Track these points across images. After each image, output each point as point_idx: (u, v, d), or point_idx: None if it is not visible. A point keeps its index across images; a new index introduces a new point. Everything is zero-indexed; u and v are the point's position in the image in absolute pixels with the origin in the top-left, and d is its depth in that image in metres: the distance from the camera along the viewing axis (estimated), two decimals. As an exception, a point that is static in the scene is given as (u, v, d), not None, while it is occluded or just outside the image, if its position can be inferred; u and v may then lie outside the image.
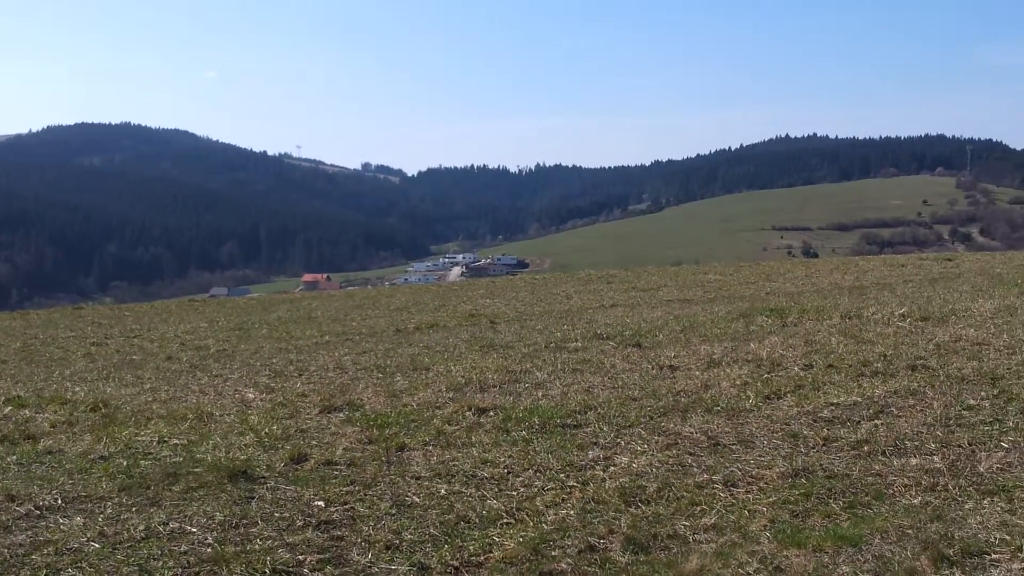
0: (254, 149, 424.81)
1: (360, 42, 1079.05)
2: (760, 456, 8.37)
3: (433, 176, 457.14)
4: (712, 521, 6.80)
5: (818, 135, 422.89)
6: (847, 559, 6.04)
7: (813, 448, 8.53)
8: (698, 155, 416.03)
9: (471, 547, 6.49)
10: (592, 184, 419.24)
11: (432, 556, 6.37)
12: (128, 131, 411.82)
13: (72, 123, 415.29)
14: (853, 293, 23.15)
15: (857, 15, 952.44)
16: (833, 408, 9.88)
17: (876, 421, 9.32)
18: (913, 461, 7.93)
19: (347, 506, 7.42)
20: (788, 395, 10.58)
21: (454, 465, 8.43)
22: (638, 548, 6.37)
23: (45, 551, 6.59)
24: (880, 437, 8.68)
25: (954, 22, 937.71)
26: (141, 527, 7.01)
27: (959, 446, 8.34)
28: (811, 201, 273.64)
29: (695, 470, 8.03)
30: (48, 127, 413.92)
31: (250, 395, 12.57)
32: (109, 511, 7.44)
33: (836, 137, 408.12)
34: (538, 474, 8.08)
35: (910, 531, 6.41)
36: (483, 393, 11.65)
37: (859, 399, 10.18)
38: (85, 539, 6.81)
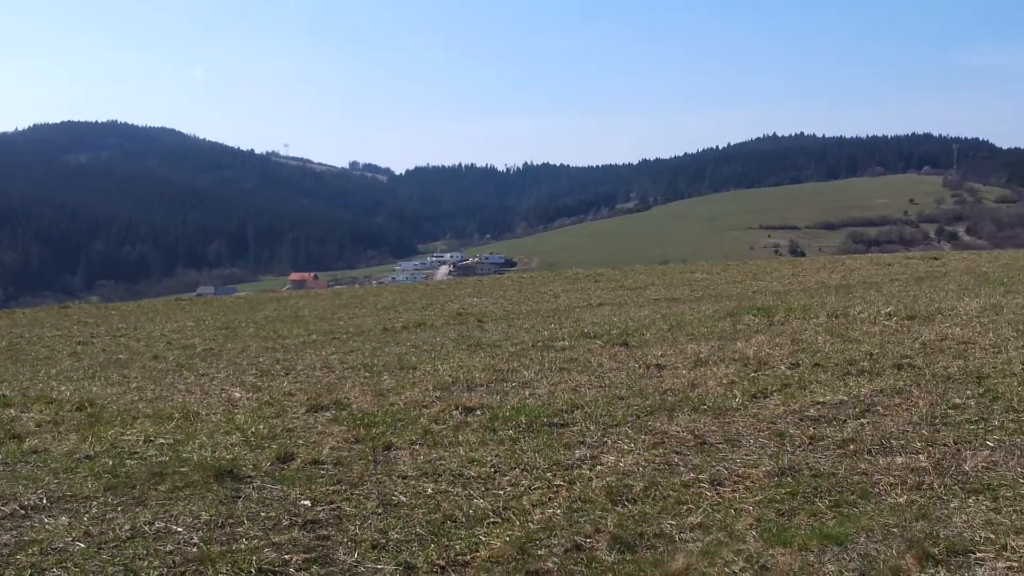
0: (241, 147, 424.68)
1: (347, 41, 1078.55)
2: (746, 455, 8.38)
3: (421, 175, 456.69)
4: (698, 520, 6.81)
5: (805, 134, 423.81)
6: (833, 558, 6.05)
7: (799, 447, 8.55)
8: (686, 154, 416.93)
9: (457, 546, 6.49)
10: (580, 183, 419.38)
11: (418, 555, 6.37)
12: (115, 129, 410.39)
13: (59, 121, 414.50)
14: (840, 292, 23.20)
15: (844, 15, 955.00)
16: (819, 407, 9.90)
17: (862, 420, 9.34)
18: (899, 460, 7.96)
19: (333, 505, 7.41)
20: (775, 394, 10.61)
21: (441, 464, 8.42)
22: (624, 547, 6.37)
23: (30, 551, 6.56)
24: (866, 436, 8.70)
25: (941, 21, 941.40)
26: (127, 527, 6.99)
27: (945, 445, 8.37)
28: (798, 200, 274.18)
29: (682, 469, 8.04)
30: (34, 125, 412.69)
31: (236, 394, 12.55)
32: (94, 511, 7.42)
33: (823, 136, 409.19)
34: (525, 473, 8.08)
35: (896, 530, 6.43)
36: (470, 392, 11.65)
37: (845, 398, 10.21)
38: (70, 539, 6.78)
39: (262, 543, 6.63)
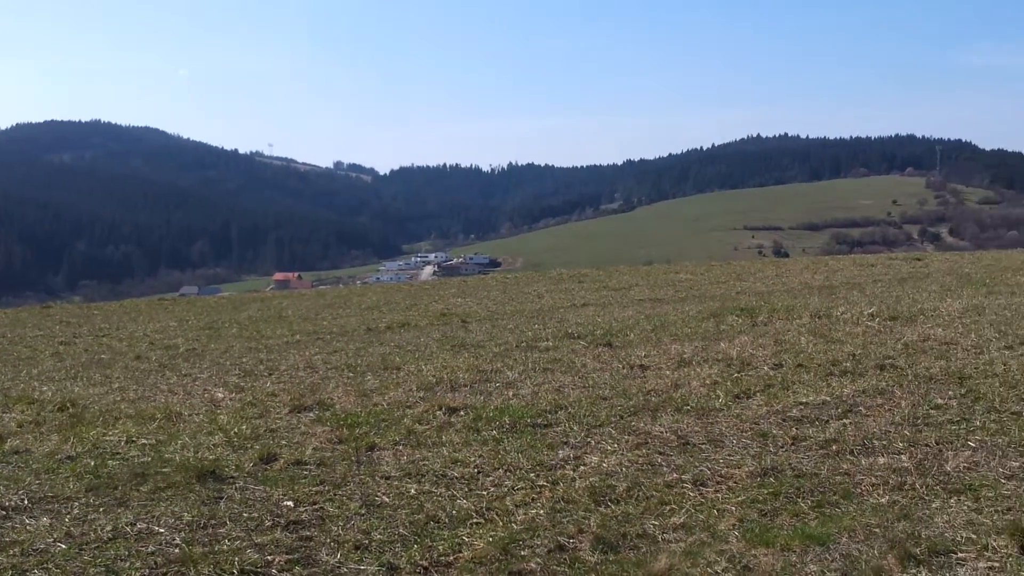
0: (225, 147, 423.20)
1: (332, 40, 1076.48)
2: (729, 455, 8.40)
3: (405, 175, 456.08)
4: (681, 520, 6.82)
5: (789, 135, 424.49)
6: (815, 558, 6.07)
7: (782, 447, 8.57)
8: (670, 155, 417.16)
9: (441, 547, 6.48)
10: (564, 183, 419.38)
11: (401, 556, 6.36)
12: (98, 128, 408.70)
13: (41, 120, 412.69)
14: (823, 293, 23.27)
15: (830, 17, 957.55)
16: (802, 407, 9.93)
17: (845, 420, 9.37)
18: (881, 460, 7.98)
19: (316, 506, 7.40)
20: (758, 394, 10.63)
21: (424, 465, 8.42)
22: (607, 547, 6.38)
23: (11, 552, 6.53)
24: (848, 436, 8.73)
25: (925, 23, 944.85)
26: (108, 528, 6.96)
27: (927, 445, 8.40)
28: (782, 201, 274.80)
29: (665, 469, 8.06)
30: (17, 124, 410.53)
31: (219, 394, 12.52)
32: (76, 511, 7.39)
33: (807, 137, 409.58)
34: (508, 473, 8.08)
35: (877, 530, 6.45)
36: (454, 392, 11.64)
37: (828, 398, 10.24)
38: (51, 540, 6.76)
39: (244, 544, 6.61)
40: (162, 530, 6.91)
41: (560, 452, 8.68)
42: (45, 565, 6.32)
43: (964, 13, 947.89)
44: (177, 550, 6.52)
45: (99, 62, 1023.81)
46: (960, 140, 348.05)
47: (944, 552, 6.07)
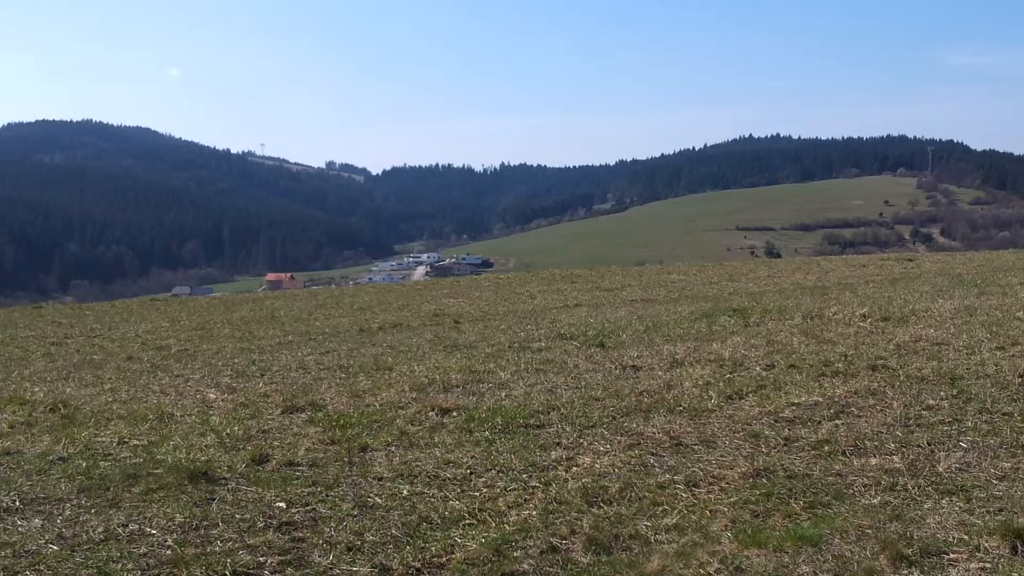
0: (217, 147, 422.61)
1: (325, 40, 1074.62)
2: (722, 456, 8.41)
3: (397, 175, 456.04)
4: (674, 521, 6.82)
5: (781, 135, 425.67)
6: (807, 559, 6.08)
7: (774, 448, 8.58)
8: (662, 155, 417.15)
9: (433, 548, 6.48)
10: (557, 184, 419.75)
11: (394, 557, 6.36)
12: (89, 128, 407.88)
13: (33, 120, 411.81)
14: (815, 293, 23.31)
15: (820, 17, 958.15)
16: (794, 408, 9.94)
17: (837, 421, 9.38)
18: (873, 461, 7.99)
19: (309, 507, 7.39)
20: (750, 395, 10.64)
21: (417, 466, 8.41)
22: (600, 549, 6.38)
23: (3, 553, 6.52)
24: (840, 437, 8.74)
25: (916, 24, 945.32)
26: (100, 529, 6.95)
27: (918, 446, 8.42)
28: (774, 201, 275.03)
29: (657, 470, 8.06)
30: (8, 124, 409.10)
31: (212, 395, 12.51)
32: (68, 513, 7.38)
33: (799, 138, 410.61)
34: (501, 475, 8.08)
35: (869, 531, 6.45)
36: (446, 393, 11.64)
37: (820, 399, 10.24)
38: (43, 541, 6.75)
39: (237, 545, 6.61)
40: (154, 531, 6.90)
41: (552, 453, 8.69)
42: (37, 567, 6.31)
43: (955, 13, 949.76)
44: (169, 551, 6.51)
45: (90, 62, 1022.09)
46: (951, 141, 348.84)
47: (936, 553, 6.08)
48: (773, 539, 6.36)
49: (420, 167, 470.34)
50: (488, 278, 41.44)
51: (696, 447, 8.75)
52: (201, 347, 18.90)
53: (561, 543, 6.52)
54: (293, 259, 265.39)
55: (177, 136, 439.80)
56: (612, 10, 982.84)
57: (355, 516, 7.16)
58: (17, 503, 7.63)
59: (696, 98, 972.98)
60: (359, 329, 21.16)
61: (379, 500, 7.50)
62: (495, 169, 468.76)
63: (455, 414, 10.33)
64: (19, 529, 7.01)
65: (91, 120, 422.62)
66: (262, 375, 14.21)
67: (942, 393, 10.26)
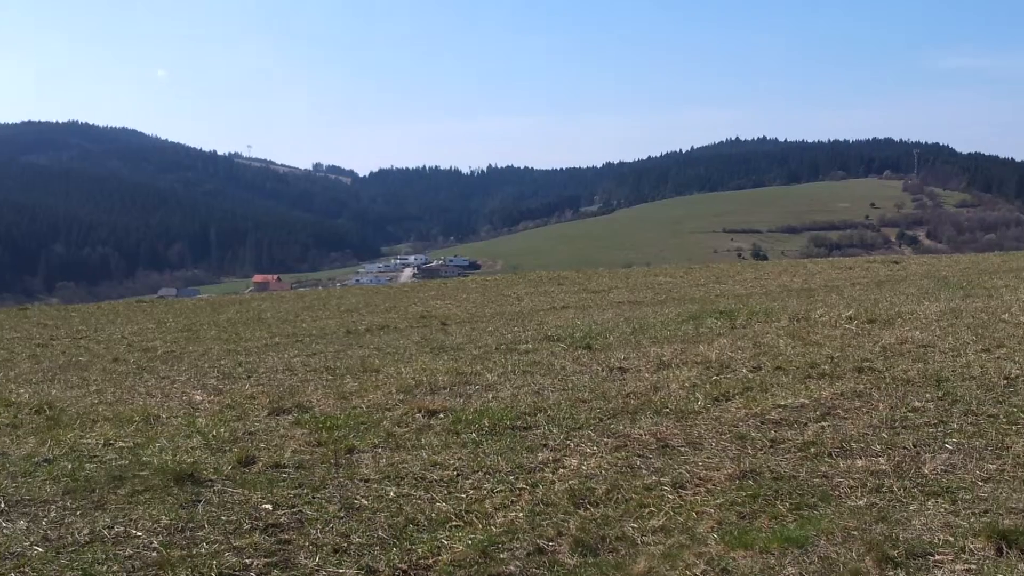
0: (204, 149, 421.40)
1: (311, 41, 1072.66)
2: (708, 458, 8.41)
3: (384, 177, 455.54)
4: (660, 523, 6.83)
5: (768, 138, 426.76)
6: (793, 560, 6.09)
7: (760, 450, 8.60)
8: (649, 157, 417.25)
9: (420, 550, 6.48)
10: (544, 185, 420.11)
11: (380, 559, 6.35)
12: (75, 130, 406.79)
13: (18, 121, 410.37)
14: (801, 295, 23.37)
15: (806, 20, 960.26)
16: (780, 410, 9.95)
17: (823, 423, 9.40)
18: (859, 463, 8.01)
19: (295, 509, 7.38)
20: (736, 397, 10.65)
21: (403, 467, 8.40)
22: (586, 550, 6.38)
23: (-13, 556, 6.49)
24: (826, 439, 8.76)
25: (902, 27, 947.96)
26: (85, 531, 6.93)
27: (904, 448, 8.44)
28: (761, 203, 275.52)
29: (644, 472, 8.06)
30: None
31: (198, 397, 12.48)
32: (53, 515, 7.35)
33: (786, 140, 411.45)
34: (487, 476, 8.08)
35: (855, 532, 6.46)
36: (433, 395, 11.63)
37: (806, 401, 10.26)
38: (28, 543, 6.72)
39: (223, 547, 6.59)
40: (140, 533, 6.88)
41: (539, 455, 8.69)
42: (22, 569, 6.28)
43: (941, 16, 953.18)
44: (155, 554, 6.49)
45: (77, 63, 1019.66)
46: (937, 143, 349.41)
47: (921, 554, 6.10)
48: (759, 541, 6.36)
49: (407, 169, 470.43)
50: (475, 280, 41.49)
51: (683, 449, 8.75)
52: (187, 349, 18.86)
53: (548, 545, 6.52)
54: (280, 261, 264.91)
55: (163, 137, 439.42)
56: (599, 12, 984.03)
57: (341, 518, 7.15)
58: (2, 505, 7.59)
59: (683, 100, 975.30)
60: (346, 331, 21.16)
61: (366, 502, 7.49)
62: (482, 171, 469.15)
63: (442, 416, 10.32)
64: (4, 531, 6.98)
65: (77, 121, 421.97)
66: (248, 377, 14.18)
67: (928, 395, 10.29)
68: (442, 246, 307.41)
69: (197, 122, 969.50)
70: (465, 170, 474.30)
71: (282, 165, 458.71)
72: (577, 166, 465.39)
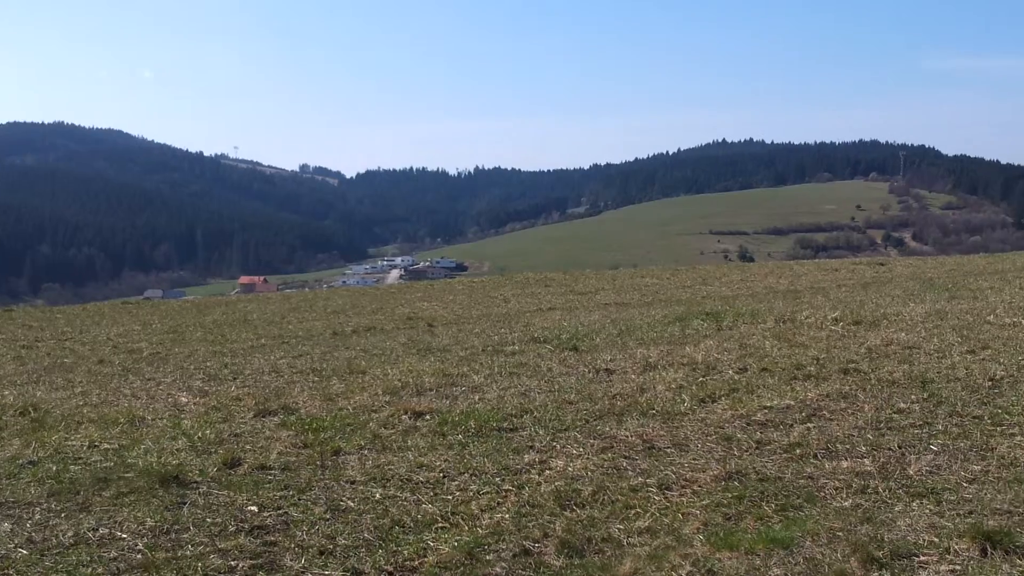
0: (190, 149, 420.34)
1: (298, 43, 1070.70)
2: (694, 459, 8.42)
3: (371, 178, 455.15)
4: (646, 524, 6.84)
5: (754, 140, 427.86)
6: (779, 561, 6.09)
7: (746, 451, 8.61)
8: (636, 159, 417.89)
9: (406, 551, 6.47)
10: (531, 187, 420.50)
11: (366, 561, 6.35)
12: (61, 130, 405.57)
13: (4, 122, 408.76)
14: (787, 297, 23.41)
15: (793, 23, 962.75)
16: (766, 411, 9.97)
17: (808, 424, 9.42)
18: (844, 464, 8.03)
19: (281, 511, 7.37)
20: (722, 398, 10.66)
21: (389, 469, 8.40)
22: (572, 552, 6.39)
23: (-30, 558, 6.47)
24: (812, 440, 8.77)
25: (888, 29, 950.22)
26: (70, 533, 6.91)
27: (889, 449, 8.46)
28: (747, 205, 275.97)
29: (630, 473, 8.07)
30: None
31: (183, 399, 12.45)
32: (38, 517, 7.33)
33: (772, 142, 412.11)
34: (474, 478, 8.08)
35: (840, 533, 6.48)
36: (419, 397, 11.62)
37: (792, 402, 10.28)
38: (12, 545, 6.70)
39: (208, 549, 6.58)
40: (125, 536, 6.87)
41: (525, 456, 8.69)
42: (6, 571, 6.26)
43: (928, 19, 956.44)
44: (140, 556, 6.48)
45: (62, 64, 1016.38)
46: (923, 145, 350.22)
47: (906, 555, 6.11)
48: (745, 542, 6.37)
49: (394, 170, 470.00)
50: (462, 281, 41.49)
51: (669, 450, 8.76)
52: (173, 350, 18.82)
53: (534, 546, 6.52)
54: (266, 262, 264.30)
55: (150, 138, 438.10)
56: (586, 13, 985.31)
57: (327, 520, 7.15)
58: (-14, 507, 7.57)
59: (670, 102, 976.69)
60: (332, 332, 21.12)
61: (352, 504, 7.49)
62: (469, 173, 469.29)
63: (428, 417, 10.32)
64: (-12, 533, 6.96)
65: (63, 122, 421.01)
66: (234, 378, 14.14)
67: (913, 396, 10.32)
68: (429, 248, 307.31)
69: (184, 123, 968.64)
70: (452, 171, 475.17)
71: (269, 166, 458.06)
72: (564, 168, 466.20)
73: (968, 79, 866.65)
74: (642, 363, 13.23)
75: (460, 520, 7.03)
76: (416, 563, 6.31)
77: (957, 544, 6.20)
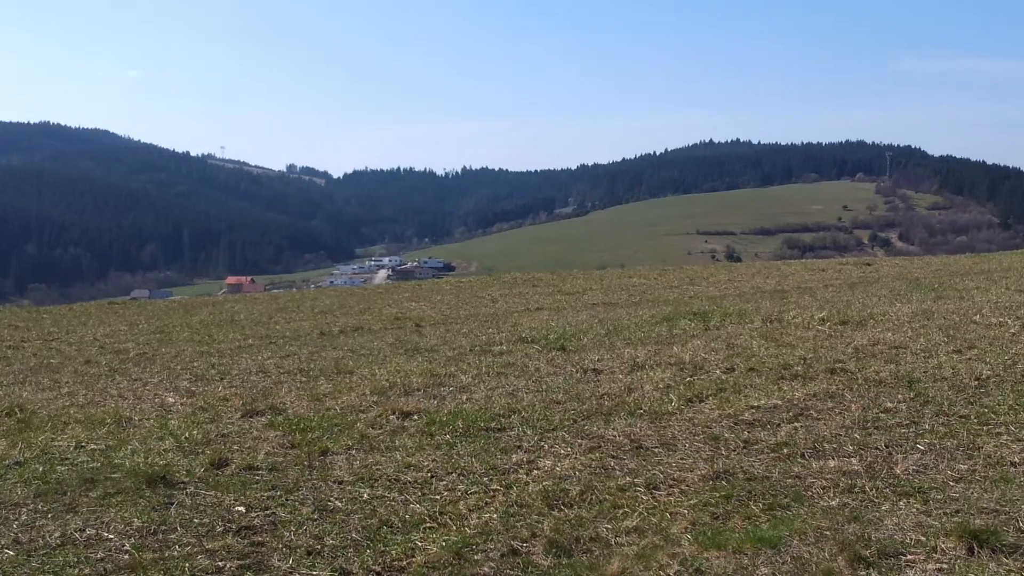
0: (177, 150, 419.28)
1: (285, 43, 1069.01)
2: (682, 459, 8.43)
3: (359, 178, 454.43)
4: (634, 524, 6.84)
5: (741, 140, 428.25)
6: (766, 560, 6.11)
7: (734, 451, 8.62)
8: (624, 159, 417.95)
9: (393, 552, 6.47)
10: (518, 187, 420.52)
11: (354, 561, 6.34)
12: (47, 130, 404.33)
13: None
14: (774, 297, 23.45)
15: (779, 23, 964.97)
16: (754, 411, 9.99)
17: (795, 424, 9.44)
18: (831, 463, 8.05)
19: (268, 511, 7.35)
20: (710, 398, 10.68)
21: (377, 469, 8.39)
22: (560, 551, 6.39)
23: (-44, 559, 6.44)
24: (799, 440, 8.79)
25: (874, 29, 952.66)
26: (57, 534, 6.89)
27: (876, 448, 8.48)
28: (734, 206, 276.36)
29: (617, 473, 8.07)
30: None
31: (170, 399, 12.42)
32: (24, 518, 7.30)
33: (759, 143, 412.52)
34: (461, 478, 8.07)
35: (828, 532, 6.49)
36: (407, 397, 11.61)
37: (779, 402, 10.30)
38: (-2, 547, 6.67)
39: (195, 550, 6.56)
40: (112, 536, 6.85)
41: (513, 456, 8.69)
42: (-8, 572, 6.24)
43: (913, 20, 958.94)
44: (127, 556, 6.46)
45: (48, 63, 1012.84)
46: (909, 146, 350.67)
47: (893, 554, 6.12)
48: (732, 541, 6.38)
49: (381, 170, 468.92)
50: (450, 282, 41.49)
51: (656, 450, 8.77)
52: (160, 351, 18.77)
53: (522, 546, 6.52)
54: (253, 262, 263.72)
55: (136, 138, 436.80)
56: (573, 14, 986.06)
57: (315, 520, 7.14)
58: (-28, 508, 7.54)
59: (657, 103, 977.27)
60: (320, 332, 21.10)
61: (339, 504, 7.48)
62: (457, 173, 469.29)
63: (416, 418, 10.31)
64: (-26, 534, 6.93)
65: (49, 122, 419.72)
66: (221, 379, 14.12)
67: (900, 396, 10.35)
68: (417, 248, 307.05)
69: (170, 123, 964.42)
70: (440, 172, 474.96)
71: (256, 166, 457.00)
72: (552, 168, 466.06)
73: (955, 80, 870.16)
74: (630, 363, 13.24)
75: (448, 520, 7.03)
76: (404, 563, 6.30)
77: (944, 543, 6.22)
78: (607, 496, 7.45)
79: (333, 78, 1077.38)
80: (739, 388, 11.13)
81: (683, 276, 35.25)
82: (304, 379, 13.62)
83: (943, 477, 7.60)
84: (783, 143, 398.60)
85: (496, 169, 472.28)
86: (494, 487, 7.78)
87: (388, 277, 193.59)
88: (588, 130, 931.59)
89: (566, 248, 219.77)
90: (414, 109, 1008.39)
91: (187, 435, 9.90)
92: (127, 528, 7.01)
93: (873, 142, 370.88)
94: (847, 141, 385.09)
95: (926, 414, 9.57)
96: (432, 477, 8.12)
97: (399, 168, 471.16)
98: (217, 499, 7.68)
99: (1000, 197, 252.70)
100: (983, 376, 11.12)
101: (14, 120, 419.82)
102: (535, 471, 8.19)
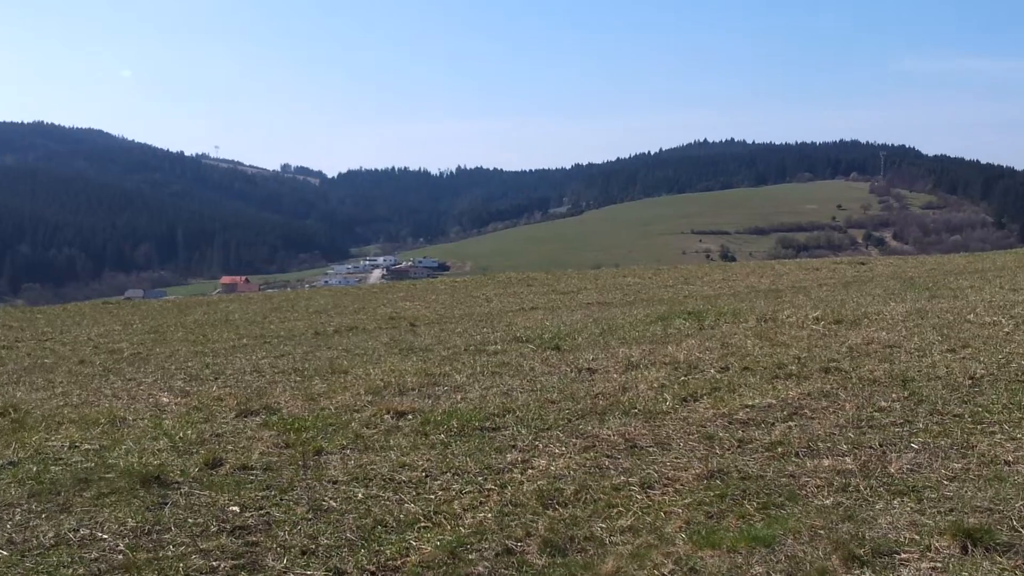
0: (171, 149, 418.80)
1: (280, 42, 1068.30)
2: (676, 458, 8.44)
3: (353, 178, 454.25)
4: (628, 523, 6.84)
5: (736, 140, 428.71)
6: (760, 559, 6.11)
7: (728, 450, 8.63)
8: (618, 159, 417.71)
9: (388, 551, 6.46)
10: (513, 187, 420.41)
11: (349, 561, 6.34)
12: (41, 130, 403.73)
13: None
14: (769, 296, 23.47)
15: (773, 23, 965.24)
16: (748, 410, 9.99)
17: (790, 423, 9.44)
18: (825, 462, 8.05)
19: (262, 511, 7.35)
20: (704, 397, 10.68)
21: (372, 469, 8.38)
22: (555, 550, 6.39)
23: (-50, 560, 6.43)
24: (793, 439, 8.80)
25: (868, 30, 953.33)
26: (51, 534, 6.88)
27: (870, 447, 8.49)
28: (729, 205, 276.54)
29: (612, 472, 8.08)
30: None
31: (164, 399, 12.40)
32: (18, 518, 7.29)
33: (753, 142, 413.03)
34: (456, 477, 8.07)
35: (822, 531, 6.50)
36: (402, 396, 11.61)
37: (773, 401, 10.31)
38: (-8, 547, 6.66)
39: (189, 550, 6.56)
40: (106, 536, 6.84)
41: (508, 456, 8.69)
42: (-14, 572, 6.23)
43: (908, 19, 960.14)
44: (121, 556, 6.45)
45: (41, 63, 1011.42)
46: (903, 145, 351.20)
47: (887, 553, 6.13)
48: (727, 540, 6.39)
49: (376, 170, 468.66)
50: (444, 281, 41.50)
51: (651, 449, 8.77)
52: (154, 351, 18.75)
53: (516, 545, 6.52)
54: (248, 262, 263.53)
55: (130, 138, 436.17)
56: (568, 14, 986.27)
57: (309, 520, 7.13)
58: (-34, 508, 7.52)
59: (651, 103, 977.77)
60: (314, 332, 21.08)
61: (334, 504, 7.47)
62: (451, 172, 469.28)
63: (410, 417, 10.31)
64: (-32, 535, 6.92)
65: (42, 122, 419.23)
66: (216, 379, 14.10)
67: (894, 395, 10.36)
68: (411, 247, 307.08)
69: (164, 122, 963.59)
70: (434, 171, 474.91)
71: (250, 166, 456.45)
72: (546, 168, 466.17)
73: (949, 80, 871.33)
74: (624, 362, 13.25)
75: (443, 519, 7.03)
76: (399, 563, 6.30)
77: (938, 542, 6.23)
78: (602, 495, 7.45)
79: (327, 78, 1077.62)
80: (733, 387, 11.13)
81: (678, 275, 35.25)
82: (299, 379, 13.61)
83: (937, 476, 7.61)
84: (777, 143, 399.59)
85: (491, 169, 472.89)
86: (489, 486, 7.78)
87: (383, 277, 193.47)
88: (587, 130, 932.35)
89: (560, 248, 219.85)
90: (410, 109, 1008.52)
91: (181, 435, 9.89)
92: (121, 528, 7.00)
93: (867, 141, 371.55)
94: (841, 141, 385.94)
95: (920, 413, 9.58)
96: (427, 476, 8.12)
97: (394, 168, 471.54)
98: (211, 499, 7.67)
99: (994, 196, 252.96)
100: (977, 375, 11.14)
101: (8, 120, 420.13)
102: (530, 470, 8.19)
